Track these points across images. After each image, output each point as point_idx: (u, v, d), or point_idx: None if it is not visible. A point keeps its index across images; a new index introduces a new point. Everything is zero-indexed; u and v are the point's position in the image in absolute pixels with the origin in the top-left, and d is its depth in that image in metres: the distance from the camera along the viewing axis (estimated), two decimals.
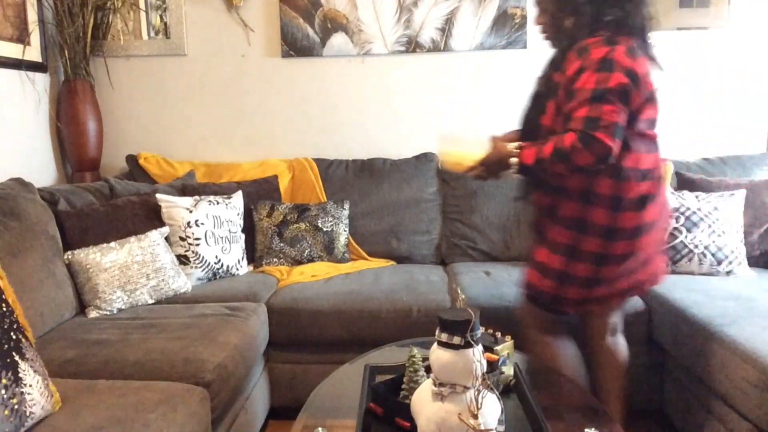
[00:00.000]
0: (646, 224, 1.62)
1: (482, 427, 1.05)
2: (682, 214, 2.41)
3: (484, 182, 1.79)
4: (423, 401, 1.16)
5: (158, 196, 2.45)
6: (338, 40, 3.04)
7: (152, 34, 3.08)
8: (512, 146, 1.67)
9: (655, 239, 1.69)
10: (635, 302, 2.24)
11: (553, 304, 1.77)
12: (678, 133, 3.06)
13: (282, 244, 2.68)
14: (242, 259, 2.60)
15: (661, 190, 1.68)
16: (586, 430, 1.27)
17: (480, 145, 1.82)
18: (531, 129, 1.76)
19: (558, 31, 1.73)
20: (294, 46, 3.05)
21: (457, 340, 1.10)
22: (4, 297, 1.35)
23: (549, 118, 1.68)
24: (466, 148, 1.82)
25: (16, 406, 1.27)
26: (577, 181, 1.63)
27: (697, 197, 2.47)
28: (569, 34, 1.68)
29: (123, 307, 2.18)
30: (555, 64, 1.72)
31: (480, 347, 1.12)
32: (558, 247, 1.69)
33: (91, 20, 2.91)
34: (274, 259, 2.67)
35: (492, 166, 1.72)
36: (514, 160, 1.64)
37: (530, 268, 1.79)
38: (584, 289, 1.69)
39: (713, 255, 2.36)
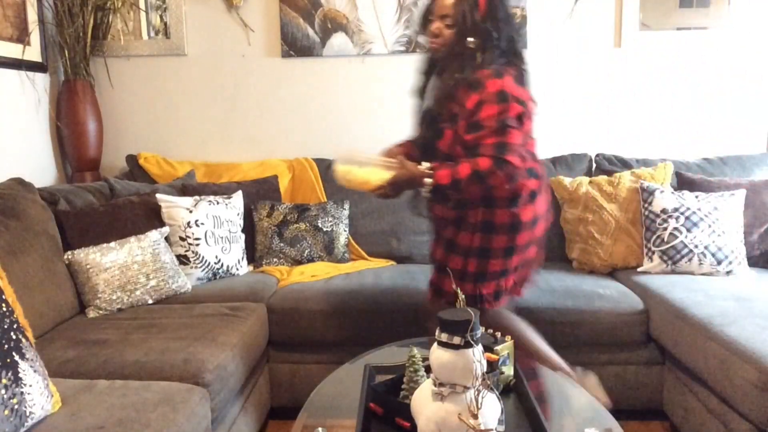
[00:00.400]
0: (540, 215, 1.83)
1: (482, 427, 1.05)
2: (682, 214, 2.41)
3: (387, 200, 1.89)
4: (423, 401, 1.16)
5: (158, 196, 2.45)
6: (338, 40, 3.04)
7: (152, 34, 3.08)
8: (425, 167, 1.76)
9: (544, 226, 1.90)
10: (635, 302, 2.24)
11: (471, 304, 1.82)
12: (678, 133, 3.06)
13: (282, 244, 2.68)
14: (242, 259, 2.60)
15: (544, 185, 1.87)
16: (586, 430, 1.27)
17: (378, 162, 1.87)
18: (426, 148, 1.87)
19: (456, 52, 1.79)
20: (294, 46, 3.05)
21: (457, 340, 1.10)
22: (4, 297, 1.35)
23: (446, 143, 1.81)
24: (366, 166, 1.85)
25: (16, 406, 1.27)
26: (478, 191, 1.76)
27: (696, 197, 2.47)
28: (464, 60, 1.77)
29: (123, 307, 2.18)
30: (447, 94, 1.81)
31: (480, 347, 1.12)
32: (471, 251, 1.81)
33: (91, 20, 2.91)
34: (274, 259, 2.67)
35: (402, 185, 1.81)
36: (428, 180, 1.73)
37: (444, 277, 1.87)
38: (496, 281, 1.84)
39: (713, 255, 2.36)
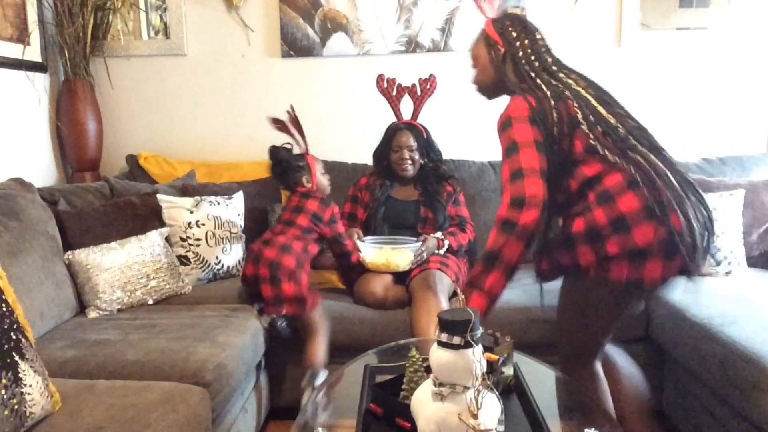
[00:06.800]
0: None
1: (482, 427, 1.05)
2: None
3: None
4: (423, 401, 1.16)
5: (159, 196, 2.45)
6: (338, 40, 3.04)
7: (152, 34, 3.08)
8: (438, 235, 2.42)
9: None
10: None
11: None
12: (677, 133, 3.06)
13: None
14: (243, 259, 2.60)
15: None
16: (586, 430, 1.27)
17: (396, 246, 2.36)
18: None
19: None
20: (294, 46, 3.05)
21: (457, 340, 1.09)
22: (4, 297, 1.35)
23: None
24: (388, 253, 2.34)
25: (16, 406, 1.27)
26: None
27: None
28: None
29: (123, 307, 2.18)
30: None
31: (480, 347, 1.12)
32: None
33: (91, 20, 2.91)
34: None
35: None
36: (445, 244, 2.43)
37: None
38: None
39: (712, 256, 2.36)
